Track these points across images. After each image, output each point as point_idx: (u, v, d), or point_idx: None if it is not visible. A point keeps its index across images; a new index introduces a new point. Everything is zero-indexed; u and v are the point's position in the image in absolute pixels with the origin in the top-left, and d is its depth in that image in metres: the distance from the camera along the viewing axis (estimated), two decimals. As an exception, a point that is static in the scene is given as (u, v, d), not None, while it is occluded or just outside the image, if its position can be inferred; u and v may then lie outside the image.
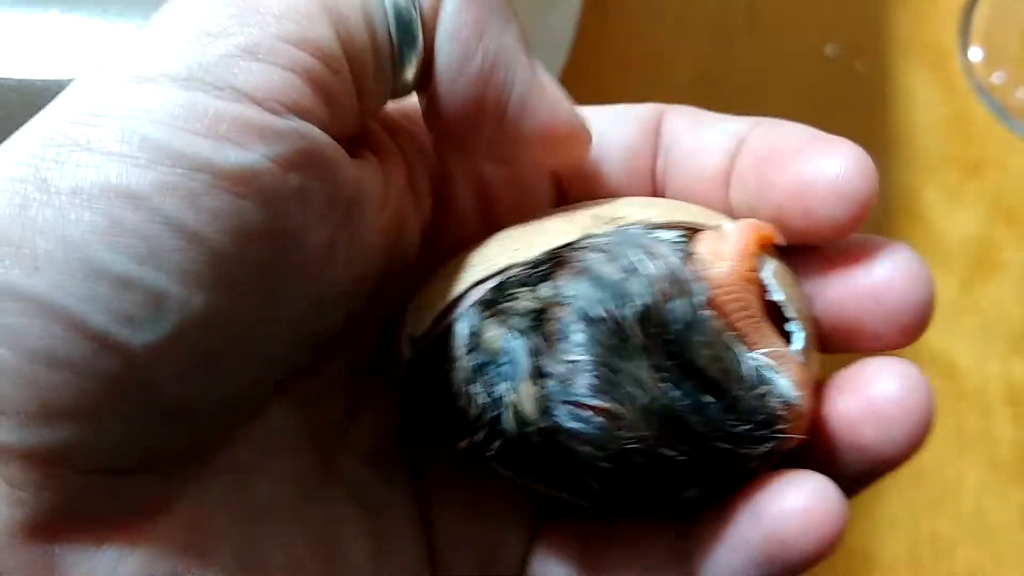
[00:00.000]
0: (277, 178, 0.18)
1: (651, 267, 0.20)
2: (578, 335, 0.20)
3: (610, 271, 0.20)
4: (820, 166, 0.21)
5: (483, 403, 0.20)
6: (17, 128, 0.18)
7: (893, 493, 0.42)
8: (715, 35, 0.48)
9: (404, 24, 0.19)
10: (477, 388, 0.21)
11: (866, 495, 0.42)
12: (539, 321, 0.20)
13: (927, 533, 0.42)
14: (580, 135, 0.21)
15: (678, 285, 0.20)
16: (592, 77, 0.47)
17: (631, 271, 0.20)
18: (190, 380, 0.19)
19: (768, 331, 0.21)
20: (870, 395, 0.20)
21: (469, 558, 0.23)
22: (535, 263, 0.21)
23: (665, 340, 0.20)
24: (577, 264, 0.21)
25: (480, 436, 0.21)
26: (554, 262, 0.21)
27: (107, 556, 0.18)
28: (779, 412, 0.20)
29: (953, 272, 0.45)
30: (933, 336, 0.44)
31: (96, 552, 0.18)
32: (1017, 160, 0.47)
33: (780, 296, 0.21)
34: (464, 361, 0.21)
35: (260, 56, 0.18)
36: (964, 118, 0.47)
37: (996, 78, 0.49)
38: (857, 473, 0.21)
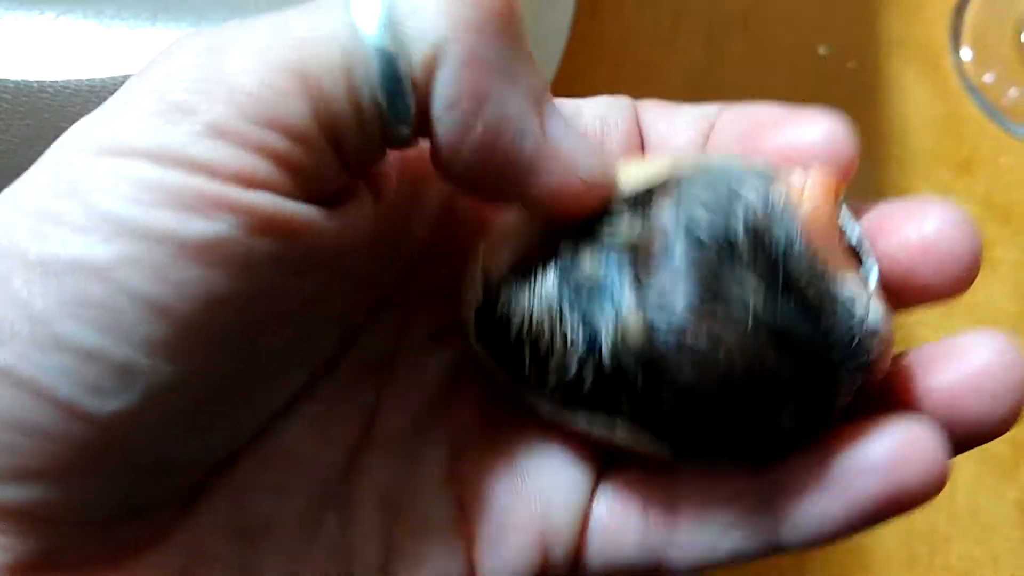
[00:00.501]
0: (245, 246, 0.18)
1: (753, 192, 0.20)
2: (682, 253, 0.20)
3: (713, 194, 0.20)
4: (806, 130, 0.22)
5: (576, 337, 0.20)
6: (14, 130, 0.18)
7: (888, 490, 0.43)
8: (708, 36, 0.48)
9: (392, 85, 0.18)
10: (571, 321, 0.20)
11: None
12: (638, 246, 0.20)
13: (922, 529, 0.42)
14: (599, 189, 0.21)
15: (778, 212, 0.20)
16: (586, 78, 0.47)
17: (734, 195, 0.20)
18: (167, 440, 0.19)
19: (852, 267, 0.21)
20: (970, 368, 0.21)
21: (514, 540, 0.22)
22: (627, 197, 0.21)
23: (766, 263, 0.20)
24: (676, 190, 0.21)
25: (572, 373, 0.20)
26: (646, 193, 0.21)
27: None
28: (870, 340, 0.20)
29: (946, 270, 0.45)
30: (926, 334, 0.44)
31: None
32: (1008, 159, 0.47)
33: (857, 234, 0.21)
34: (555, 293, 0.20)
35: (226, 136, 0.18)
36: (955, 117, 0.48)
37: (988, 78, 0.49)
38: (954, 445, 0.21)
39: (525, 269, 0.21)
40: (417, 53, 0.18)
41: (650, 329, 0.20)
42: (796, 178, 0.21)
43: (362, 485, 0.22)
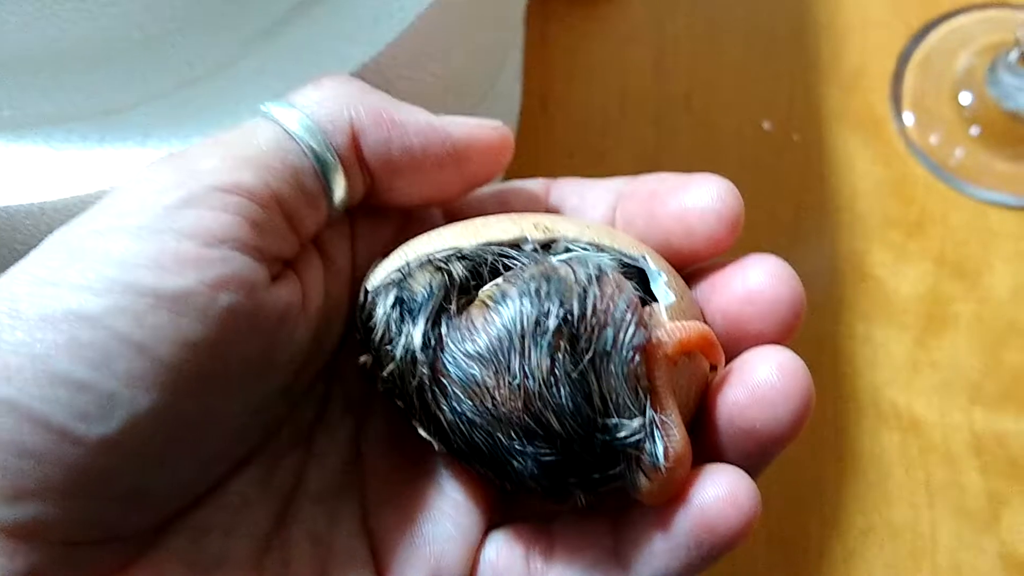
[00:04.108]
0: (208, 298, 0.22)
1: (603, 290, 0.23)
2: (509, 304, 0.22)
3: (567, 275, 0.23)
4: (697, 195, 0.25)
5: (390, 337, 0.23)
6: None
7: (870, 551, 0.42)
8: (656, 119, 0.50)
9: (322, 161, 0.24)
10: (390, 322, 0.23)
11: (843, 554, 0.42)
12: (475, 284, 0.23)
13: (908, 590, 0.42)
14: (506, 136, 0.26)
15: (618, 318, 0.22)
16: (539, 168, 0.48)
17: (585, 282, 0.23)
18: (142, 471, 0.22)
19: (672, 404, 0.23)
20: (754, 383, 0.23)
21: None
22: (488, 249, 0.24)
23: (579, 351, 0.22)
24: (537, 266, 0.23)
25: (383, 368, 0.24)
26: (499, 256, 0.24)
27: None
28: (640, 469, 0.23)
29: (907, 329, 0.46)
30: (894, 392, 0.45)
31: None
32: (958, 216, 0.48)
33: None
34: (389, 300, 0.24)
35: (195, 203, 0.22)
36: (902, 179, 0.49)
37: (933, 140, 0.50)
38: (752, 455, 0.24)
39: (386, 285, 0.24)
40: (330, 124, 0.24)
41: (437, 346, 0.23)
42: (668, 310, 0.23)
43: (296, 530, 0.25)
